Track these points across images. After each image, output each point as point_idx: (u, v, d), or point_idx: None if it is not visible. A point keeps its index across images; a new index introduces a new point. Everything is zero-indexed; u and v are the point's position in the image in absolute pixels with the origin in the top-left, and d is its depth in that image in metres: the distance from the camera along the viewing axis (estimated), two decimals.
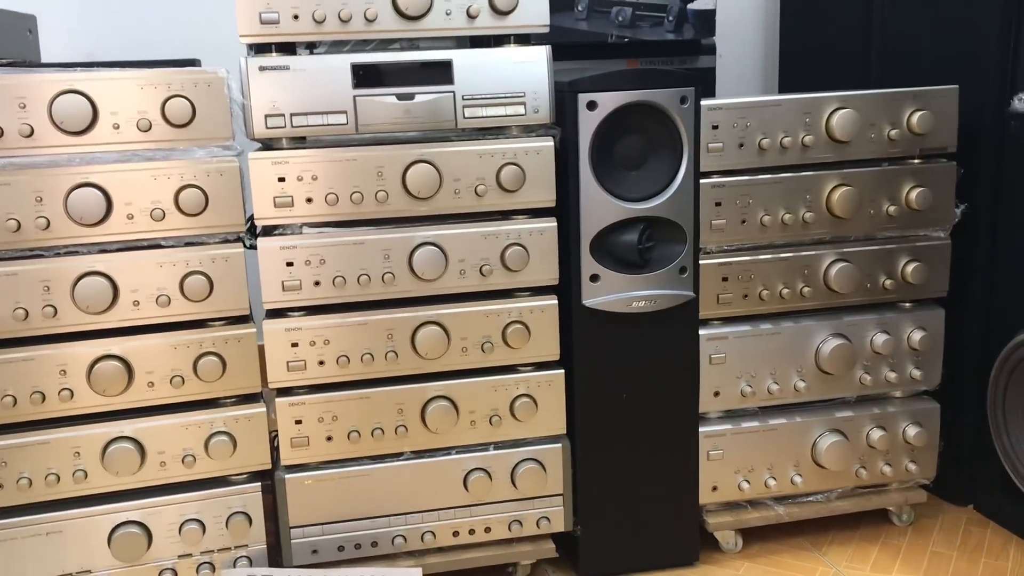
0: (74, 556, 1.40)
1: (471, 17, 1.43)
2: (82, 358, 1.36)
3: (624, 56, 2.22)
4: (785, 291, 1.60)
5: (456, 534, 1.55)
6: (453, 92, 1.43)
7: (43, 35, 2.12)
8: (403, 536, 1.53)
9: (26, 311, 1.33)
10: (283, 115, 1.39)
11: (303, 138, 1.43)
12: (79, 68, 1.34)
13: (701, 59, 2.28)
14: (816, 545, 1.71)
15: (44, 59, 2.15)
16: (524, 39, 1.47)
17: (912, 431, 1.67)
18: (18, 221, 1.31)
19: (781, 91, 2.34)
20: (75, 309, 1.35)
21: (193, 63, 1.93)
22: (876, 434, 1.65)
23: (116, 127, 1.33)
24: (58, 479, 1.38)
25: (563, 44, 1.99)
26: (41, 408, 1.36)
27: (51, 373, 1.35)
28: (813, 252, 1.60)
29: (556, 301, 1.51)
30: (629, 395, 1.56)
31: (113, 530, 1.41)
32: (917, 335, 1.64)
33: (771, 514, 1.67)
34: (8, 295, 1.32)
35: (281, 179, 1.40)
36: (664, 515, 1.62)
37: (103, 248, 1.36)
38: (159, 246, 1.38)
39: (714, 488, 1.63)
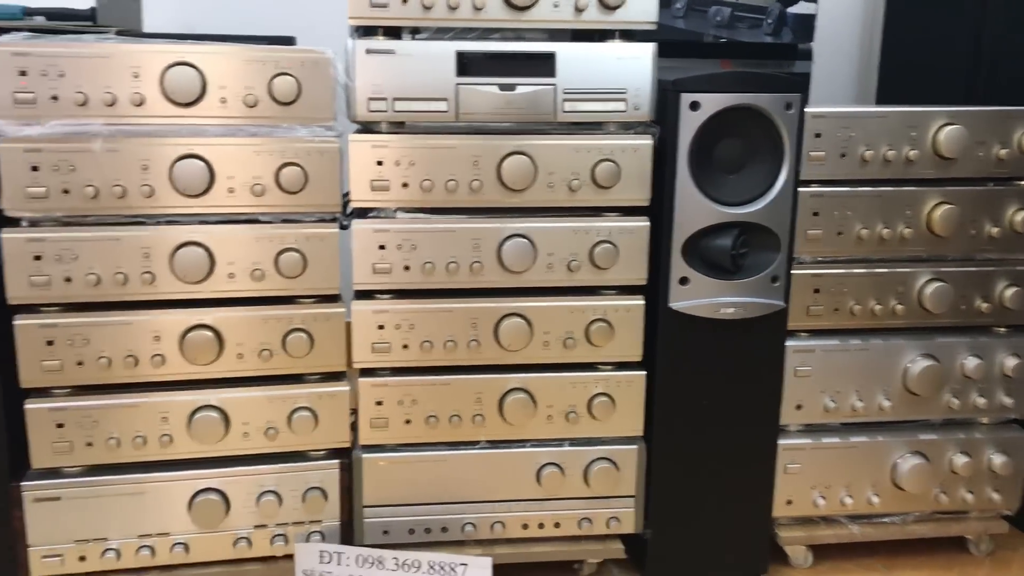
0: (155, 518, 1.44)
1: (578, 10, 1.42)
2: (176, 326, 1.39)
3: (718, 56, 2.19)
4: (877, 307, 1.56)
5: (525, 527, 1.55)
6: (555, 85, 1.42)
7: (145, 5, 2.16)
8: (473, 524, 1.53)
9: (125, 276, 1.36)
10: (386, 99, 1.39)
11: (402, 123, 1.43)
12: (188, 40, 1.37)
13: (797, 64, 2.23)
14: (888, 568, 1.67)
15: (145, 30, 2.20)
16: (629, 35, 1.45)
17: (998, 459, 1.62)
18: (124, 187, 1.34)
19: (878, 102, 2.29)
20: (172, 277, 1.37)
21: (289, 41, 1.96)
22: (960, 460, 1.61)
23: (223, 101, 1.35)
24: (145, 442, 1.41)
25: (658, 40, 1.97)
26: (133, 372, 1.39)
27: (145, 338, 1.38)
28: (909, 269, 1.57)
29: (643, 302, 1.50)
30: (710, 402, 1.54)
31: (194, 496, 1.44)
32: (1011, 362, 1.59)
33: (844, 532, 1.64)
34: (110, 259, 1.35)
35: (379, 163, 1.41)
36: (735, 525, 1.59)
37: (203, 219, 1.38)
38: (257, 221, 1.40)
39: (788, 502, 1.60)
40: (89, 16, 1.89)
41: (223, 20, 2.41)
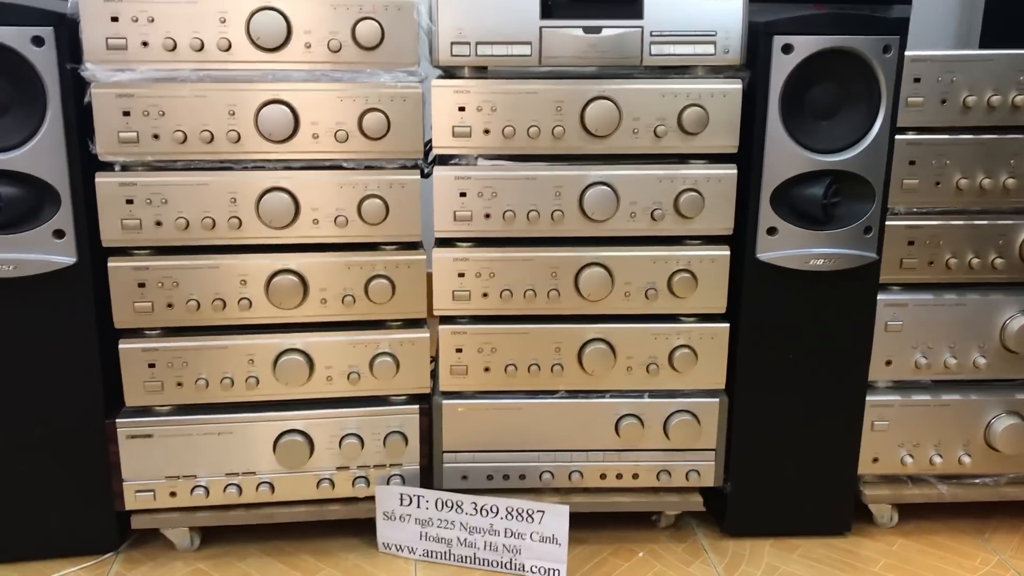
0: (241, 457, 1.47)
1: None
2: (262, 270, 1.41)
3: (812, 0, 2.10)
4: (975, 261, 1.49)
5: (603, 477, 1.55)
6: (641, 27, 1.38)
7: None
8: (551, 472, 1.54)
9: (213, 220, 1.38)
10: (468, 43, 1.38)
11: (484, 68, 1.42)
12: None
13: (895, 8, 2.13)
14: (979, 530, 1.62)
15: None
16: None
17: None
18: (211, 133, 1.36)
19: (982, 48, 2.17)
20: (258, 222, 1.39)
21: None
22: None
23: (308, 46, 1.35)
24: (232, 383, 1.44)
25: None
26: (221, 315, 1.42)
27: (232, 282, 1.41)
28: (1011, 222, 1.49)
29: (728, 252, 1.47)
30: (795, 356, 1.50)
31: (279, 437, 1.47)
32: None
33: (932, 492, 1.59)
34: (199, 204, 1.38)
35: (461, 108, 1.40)
36: (819, 481, 1.56)
37: (288, 165, 1.39)
38: (340, 167, 1.40)
39: (875, 460, 1.56)
40: None
41: None
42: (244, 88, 1.35)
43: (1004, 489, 1.60)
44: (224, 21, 1.33)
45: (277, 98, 1.36)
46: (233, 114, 1.36)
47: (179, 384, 1.43)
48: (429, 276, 1.46)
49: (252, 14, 1.33)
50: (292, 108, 1.36)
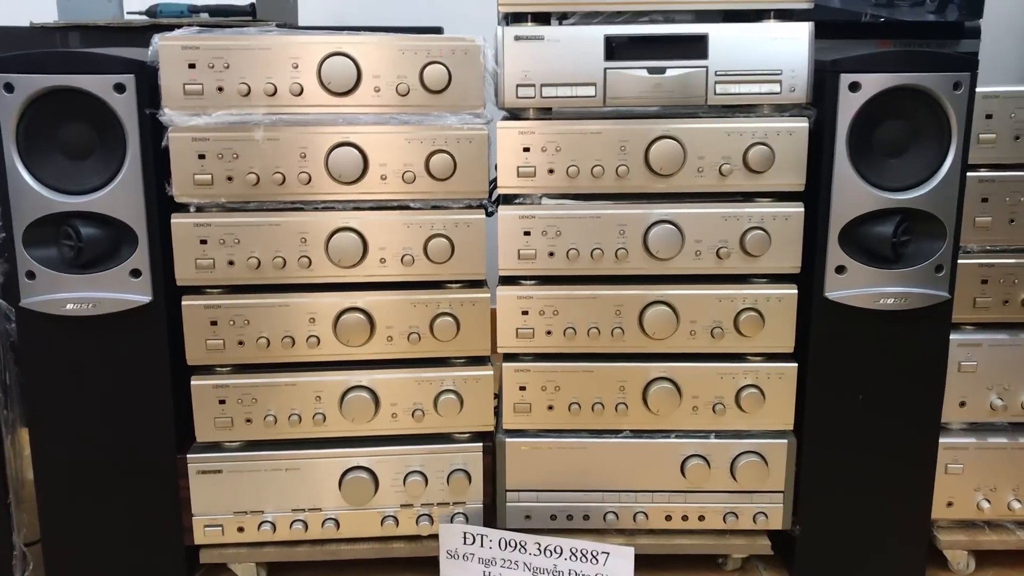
0: (308, 493, 1.49)
1: None
2: (330, 308, 1.43)
3: (877, 37, 2.09)
4: None
5: (669, 518, 1.53)
6: (706, 67, 1.39)
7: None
8: (615, 513, 1.52)
9: (284, 260, 1.41)
10: (533, 85, 1.39)
11: (548, 109, 1.43)
12: (344, 31, 1.40)
13: (963, 43, 2.11)
14: None
15: (300, 23, 2.28)
16: (785, 14, 1.40)
17: None
18: (283, 175, 1.39)
19: None
20: (327, 262, 1.42)
21: (437, 31, 1.99)
22: None
23: (377, 90, 1.38)
24: (299, 420, 1.46)
25: (814, 20, 1.90)
26: (290, 352, 1.44)
27: (301, 320, 1.43)
28: None
29: (796, 291, 1.45)
30: (866, 396, 1.47)
31: (344, 473, 1.48)
32: None
33: (1012, 539, 1.54)
34: (270, 244, 1.41)
35: (526, 149, 1.41)
36: (891, 525, 1.52)
37: (357, 206, 1.42)
38: (408, 207, 1.42)
39: (949, 504, 1.52)
40: (249, 12, 1.98)
41: (372, 12, 2.48)
42: (315, 131, 1.38)
43: None
44: (296, 67, 1.37)
45: (347, 141, 1.39)
46: (304, 156, 1.39)
47: (248, 420, 1.46)
48: (493, 313, 1.47)
49: (323, 60, 1.36)
50: (361, 150, 1.39)
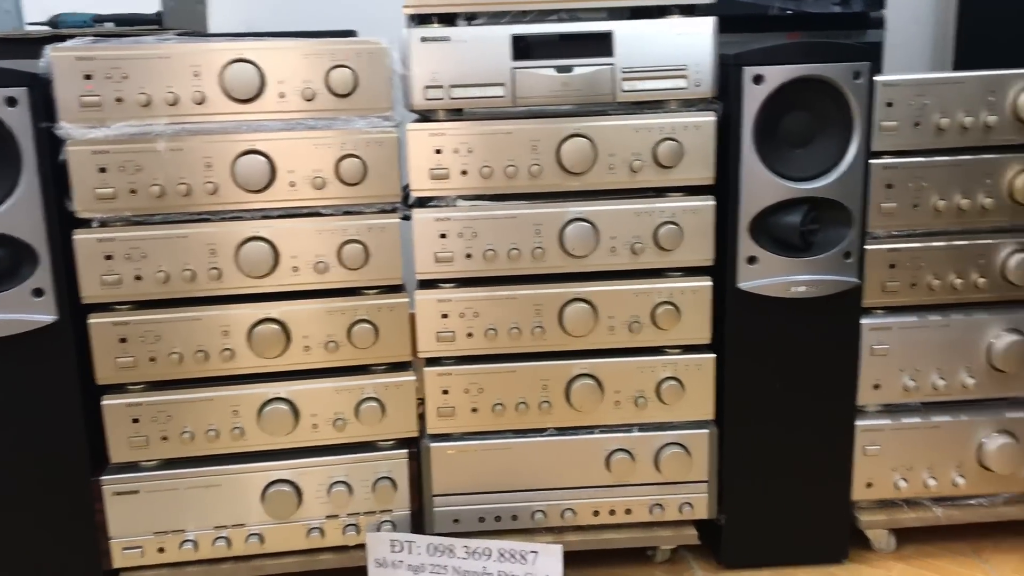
0: (229, 509, 1.46)
1: None
2: (243, 320, 1.41)
3: (785, 29, 2.13)
4: (957, 281, 1.50)
5: (596, 513, 1.53)
6: (612, 65, 1.39)
7: (210, 7, 2.20)
8: (543, 512, 1.52)
9: (193, 272, 1.38)
10: (442, 87, 1.39)
11: (459, 110, 1.42)
12: (248, 37, 1.38)
13: (868, 33, 2.16)
14: (976, 551, 1.61)
15: (211, 29, 2.24)
16: (688, 10, 1.42)
17: None
18: (189, 185, 1.36)
19: (956, 70, 2.20)
20: (238, 272, 1.39)
21: (350, 34, 1.96)
22: None
23: (282, 96, 1.36)
24: (217, 435, 1.43)
25: (722, 15, 1.92)
26: (204, 367, 1.41)
27: (214, 333, 1.40)
28: (990, 241, 1.49)
29: (710, 283, 1.47)
30: (783, 383, 1.50)
31: (266, 487, 1.46)
32: None
33: (929, 515, 1.58)
34: (179, 257, 1.38)
35: (438, 151, 1.40)
36: (813, 509, 1.55)
37: (266, 214, 1.40)
38: (319, 214, 1.40)
39: (868, 485, 1.55)
40: (156, 20, 1.94)
41: (285, 18, 2.44)
42: (219, 140, 1.36)
43: (1000, 509, 1.59)
44: (198, 75, 1.34)
45: (253, 148, 1.36)
46: (210, 166, 1.36)
47: (164, 438, 1.42)
48: (412, 318, 1.46)
49: (225, 67, 1.34)
50: (268, 157, 1.37)
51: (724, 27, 1.41)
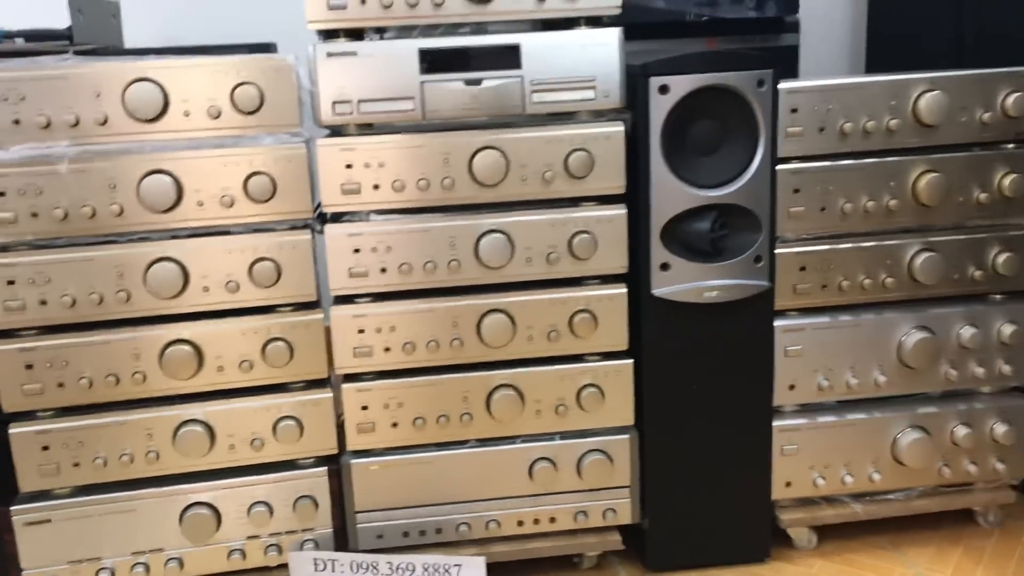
0: (147, 534, 1.44)
1: (540, 0, 1.39)
2: (154, 342, 1.39)
3: (703, 35, 2.16)
4: (867, 282, 1.53)
5: (521, 523, 1.54)
6: (521, 77, 1.40)
7: (126, 21, 2.16)
8: (467, 524, 1.52)
9: (100, 296, 1.36)
10: (350, 101, 1.38)
11: (371, 124, 1.42)
12: (152, 55, 1.36)
13: (784, 37, 2.20)
14: (895, 545, 1.64)
15: (127, 44, 2.20)
16: (595, 21, 1.43)
17: (1000, 429, 1.58)
18: (93, 208, 1.34)
19: (868, 71, 2.25)
20: (147, 294, 1.37)
21: (269, 47, 1.94)
22: (961, 431, 1.58)
23: (187, 114, 1.35)
24: (132, 460, 1.41)
25: (640, 23, 1.94)
26: (115, 391, 1.39)
27: (124, 357, 1.38)
28: (897, 241, 1.53)
29: (625, 290, 1.48)
30: (700, 387, 1.52)
31: (184, 511, 1.44)
32: (1008, 329, 1.56)
33: (847, 511, 1.61)
34: (85, 280, 1.35)
35: (348, 166, 1.40)
36: (735, 510, 1.57)
37: (174, 234, 1.38)
38: (228, 233, 1.39)
39: (788, 484, 1.58)
40: (67, 35, 1.89)
41: (204, 31, 2.41)
42: (124, 161, 1.34)
43: (915, 503, 1.63)
44: (99, 95, 1.32)
45: (158, 168, 1.35)
46: (114, 187, 1.34)
47: (76, 465, 1.40)
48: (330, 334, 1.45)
49: (127, 87, 1.32)
50: (174, 177, 1.35)
51: (642, 34, 1.43)
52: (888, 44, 2.17)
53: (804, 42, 2.21)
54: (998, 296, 1.58)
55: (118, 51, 1.82)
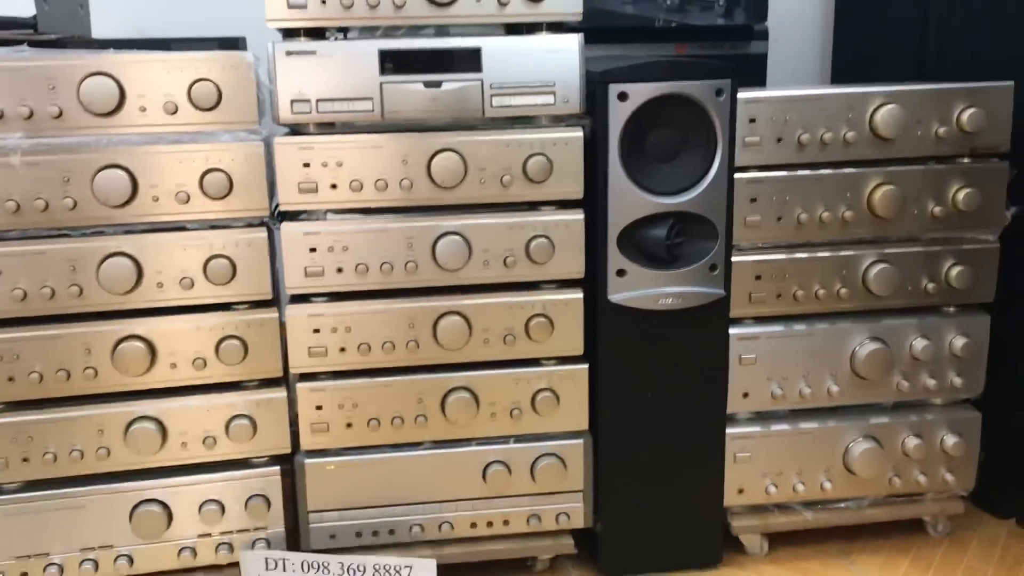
0: (96, 531, 1.43)
1: (502, 4, 1.40)
2: (106, 338, 1.38)
3: (672, 40, 2.16)
4: (821, 292, 1.54)
5: (474, 526, 1.54)
6: (481, 80, 1.40)
7: (95, 11, 2.14)
8: (420, 525, 1.52)
9: (52, 290, 1.35)
10: (309, 100, 1.38)
11: (331, 124, 1.42)
12: (113, 49, 1.35)
13: (753, 44, 2.21)
14: (845, 552, 1.66)
15: (95, 35, 2.18)
16: (558, 27, 1.43)
17: (951, 440, 1.60)
18: (46, 201, 1.33)
19: (834, 80, 2.26)
20: (100, 289, 1.36)
21: (238, 42, 1.94)
22: (912, 442, 1.60)
23: (143, 110, 1.34)
24: (82, 456, 1.40)
25: (608, 28, 1.94)
26: (66, 386, 1.38)
27: (76, 352, 1.37)
28: (852, 252, 1.55)
29: (581, 295, 1.49)
30: (654, 393, 1.53)
31: (134, 507, 1.43)
32: (960, 341, 1.57)
33: (799, 519, 1.63)
34: (35, 273, 1.34)
35: (306, 164, 1.39)
36: (687, 516, 1.58)
37: (128, 229, 1.37)
38: (184, 229, 1.38)
39: (740, 491, 1.59)
40: (31, 24, 1.88)
41: (174, 23, 2.39)
42: (78, 154, 1.33)
43: (866, 511, 1.64)
44: (53, 88, 1.31)
45: (113, 163, 1.34)
46: (68, 181, 1.33)
47: (25, 460, 1.39)
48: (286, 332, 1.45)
49: (82, 80, 1.31)
50: (130, 172, 1.34)
51: (611, 39, 1.43)
52: (853, 55, 2.18)
53: (773, 49, 2.22)
54: (951, 309, 1.60)
55: (79, 42, 1.81)
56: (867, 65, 2.09)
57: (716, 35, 2.17)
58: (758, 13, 2.16)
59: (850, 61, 2.19)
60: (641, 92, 1.41)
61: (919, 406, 1.63)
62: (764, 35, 2.20)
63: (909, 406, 1.63)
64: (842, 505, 1.64)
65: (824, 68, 2.48)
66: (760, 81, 2.18)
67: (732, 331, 1.53)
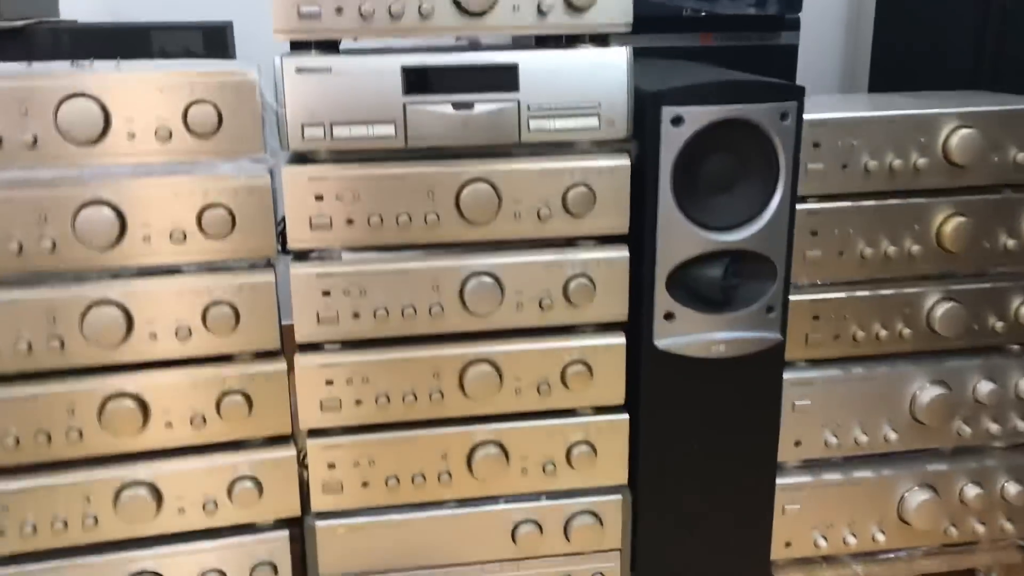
0: None
1: (542, 13, 1.23)
2: (92, 396, 1.21)
3: (699, 30, 2.03)
4: (882, 332, 1.41)
5: None
6: (518, 101, 1.23)
7: None
8: None
9: (29, 344, 1.18)
10: (322, 124, 1.20)
11: (346, 151, 1.24)
12: (86, 70, 1.17)
13: (783, 35, 2.08)
14: None
15: (63, 16, 1.99)
16: (601, 39, 1.27)
17: (1012, 489, 1.49)
18: (20, 243, 1.15)
19: (871, 80, 2.12)
20: (84, 342, 1.19)
21: (224, 27, 1.74)
22: (971, 491, 1.48)
23: (132, 136, 1.16)
24: (66, 526, 1.24)
25: (633, 16, 1.78)
26: (47, 451, 1.21)
27: (58, 412, 1.21)
28: (917, 289, 1.41)
29: (624, 340, 1.34)
30: (700, 444, 1.39)
31: None
32: None
33: (847, 572, 1.51)
34: (9, 325, 1.17)
35: (319, 197, 1.22)
36: (731, 571, 1.46)
37: (116, 274, 1.20)
38: (179, 272, 1.21)
39: (787, 544, 1.47)
40: None
41: (151, 3, 2.18)
42: (57, 189, 1.15)
43: (919, 563, 1.53)
44: (26, 113, 1.12)
45: (98, 198, 1.16)
46: (45, 220, 1.15)
47: (0, 533, 1.22)
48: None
49: (60, 103, 1.13)
50: (116, 209, 1.16)
51: (637, 28, 1.27)
52: (895, 55, 2.04)
53: (802, 41, 2.09)
54: (1017, 347, 1.47)
55: (46, 30, 1.62)
56: (912, 66, 1.95)
57: (745, 25, 2.03)
58: (791, 3, 2.01)
59: (891, 62, 2.05)
60: (699, 116, 1.25)
61: (979, 451, 1.51)
62: (796, 25, 2.07)
63: (969, 451, 1.51)
64: (893, 555, 1.52)
65: (855, 63, 2.34)
66: (790, 75, 2.05)
67: (786, 375, 1.40)
